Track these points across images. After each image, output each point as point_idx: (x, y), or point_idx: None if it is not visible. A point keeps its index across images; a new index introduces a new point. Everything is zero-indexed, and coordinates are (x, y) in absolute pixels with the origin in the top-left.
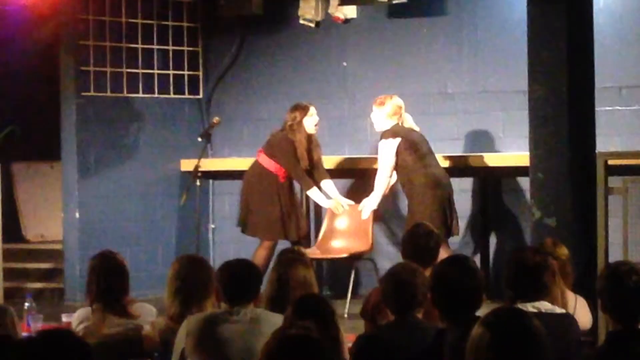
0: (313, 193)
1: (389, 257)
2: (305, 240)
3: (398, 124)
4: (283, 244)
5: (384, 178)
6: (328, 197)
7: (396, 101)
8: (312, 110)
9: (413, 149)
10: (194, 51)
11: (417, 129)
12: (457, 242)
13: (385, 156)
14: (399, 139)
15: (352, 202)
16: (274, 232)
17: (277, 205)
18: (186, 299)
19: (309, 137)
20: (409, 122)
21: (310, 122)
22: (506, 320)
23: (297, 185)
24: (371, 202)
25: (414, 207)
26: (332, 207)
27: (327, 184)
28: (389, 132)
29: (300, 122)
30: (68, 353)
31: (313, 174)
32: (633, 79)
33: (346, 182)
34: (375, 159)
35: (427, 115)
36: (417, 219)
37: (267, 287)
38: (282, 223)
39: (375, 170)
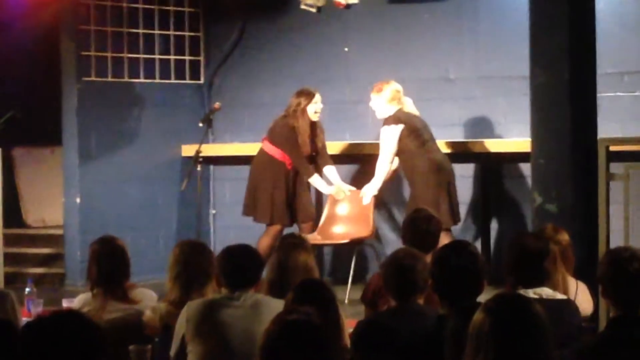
0: (314, 180)
1: (390, 242)
2: (313, 225)
3: (400, 109)
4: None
5: (385, 164)
6: (330, 183)
7: (394, 86)
8: (317, 97)
9: (415, 135)
10: (195, 36)
11: (417, 113)
12: (458, 228)
13: (388, 142)
14: (401, 125)
15: (353, 188)
16: (280, 217)
17: (284, 191)
18: (187, 284)
19: (312, 124)
20: (408, 106)
21: (314, 108)
22: (507, 306)
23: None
24: (372, 188)
25: (417, 192)
26: (333, 193)
27: (330, 170)
28: (391, 118)
29: (304, 109)
30: (79, 333)
31: (317, 160)
32: (635, 64)
33: (347, 168)
34: (377, 144)
35: (428, 100)
36: (420, 204)
37: (267, 273)
38: (288, 208)
39: (377, 156)
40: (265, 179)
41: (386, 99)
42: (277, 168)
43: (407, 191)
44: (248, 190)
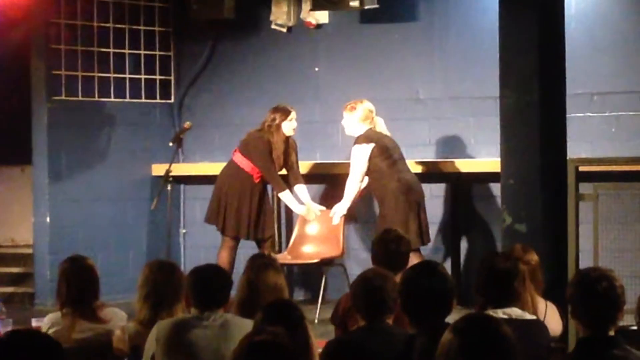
0: (285, 196)
1: (360, 262)
2: (271, 242)
3: (371, 128)
4: (246, 247)
5: (355, 183)
6: (300, 202)
7: (367, 105)
8: (293, 114)
9: (386, 155)
10: (165, 56)
11: (388, 133)
12: (427, 248)
13: (358, 161)
14: (372, 144)
15: (323, 208)
16: (239, 230)
17: (248, 204)
18: (156, 304)
19: (286, 140)
20: (380, 126)
21: (289, 126)
22: (476, 326)
23: (270, 188)
24: (341, 208)
25: (386, 212)
26: (303, 214)
27: (301, 188)
28: (362, 137)
29: (279, 125)
30: (39, 353)
31: (288, 177)
32: (604, 85)
33: (317, 188)
34: (347, 164)
35: (398, 120)
36: (389, 224)
37: (237, 292)
38: (248, 222)
39: (347, 175)
40: (232, 190)
41: (358, 117)
42: (245, 181)
43: (377, 210)
44: (213, 199)
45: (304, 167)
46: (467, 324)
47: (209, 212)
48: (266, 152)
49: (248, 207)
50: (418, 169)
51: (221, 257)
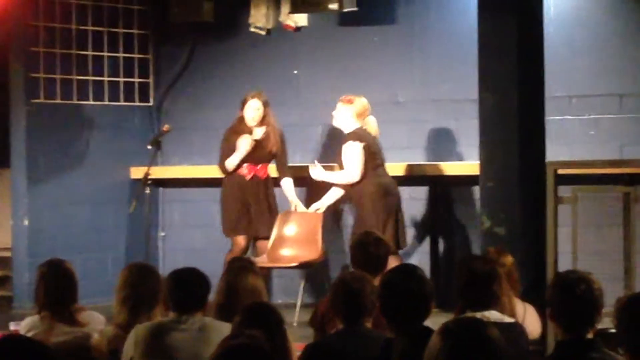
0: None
1: (339, 265)
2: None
3: (362, 127)
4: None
5: (350, 178)
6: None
7: (364, 101)
8: (251, 103)
9: (371, 158)
10: (144, 58)
11: (378, 133)
12: (406, 251)
13: (355, 158)
14: (364, 143)
15: (304, 209)
16: (236, 229)
17: (238, 201)
18: (135, 307)
19: (269, 130)
20: (372, 125)
21: (248, 114)
22: (464, 329)
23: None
24: (328, 199)
25: (364, 215)
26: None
27: (286, 182)
28: (354, 135)
29: (242, 117)
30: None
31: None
32: (583, 88)
33: (297, 191)
34: (328, 166)
35: (378, 123)
36: (367, 227)
37: (216, 296)
38: (242, 220)
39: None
40: (224, 189)
41: (353, 112)
42: (234, 178)
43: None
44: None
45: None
46: (455, 326)
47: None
48: (225, 141)
49: (238, 204)
50: (398, 172)
51: (227, 259)
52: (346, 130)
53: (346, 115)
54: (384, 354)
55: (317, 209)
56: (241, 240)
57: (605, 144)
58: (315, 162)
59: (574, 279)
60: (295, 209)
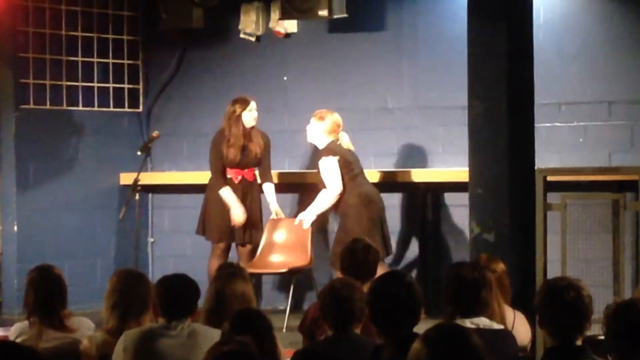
0: (224, 193)
1: (328, 272)
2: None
3: (334, 141)
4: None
5: (333, 195)
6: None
7: (336, 118)
8: (252, 105)
9: (348, 169)
10: (134, 64)
11: (352, 148)
12: (395, 258)
13: (332, 173)
14: (337, 157)
15: (283, 216)
16: (221, 234)
17: (224, 206)
18: (124, 313)
19: (247, 134)
20: (345, 141)
21: (249, 116)
22: (445, 336)
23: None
24: (309, 215)
25: (349, 226)
26: (236, 216)
27: (267, 187)
28: (327, 150)
29: (239, 116)
30: None
31: (258, 174)
32: (572, 95)
33: (286, 197)
34: (315, 173)
35: (366, 130)
36: (353, 237)
37: (205, 302)
38: (228, 225)
39: (315, 184)
40: (210, 193)
41: (325, 128)
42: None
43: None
44: (201, 210)
45: (272, 176)
46: (436, 333)
47: (198, 223)
48: (216, 144)
49: (225, 210)
50: (386, 179)
51: (210, 265)
52: (320, 145)
53: (317, 131)
54: None
55: (302, 220)
56: (222, 244)
57: (594, 151)
58: (296, 219)
59: (563, 286)
60: (277, 215)
